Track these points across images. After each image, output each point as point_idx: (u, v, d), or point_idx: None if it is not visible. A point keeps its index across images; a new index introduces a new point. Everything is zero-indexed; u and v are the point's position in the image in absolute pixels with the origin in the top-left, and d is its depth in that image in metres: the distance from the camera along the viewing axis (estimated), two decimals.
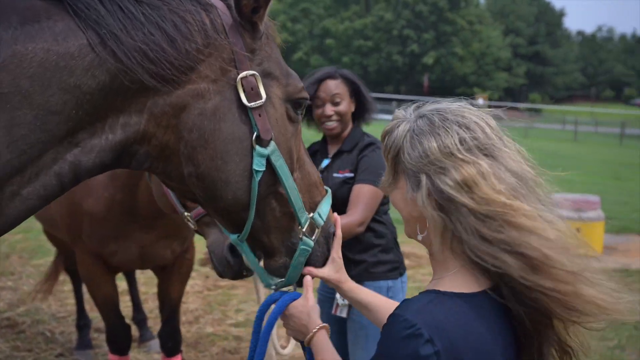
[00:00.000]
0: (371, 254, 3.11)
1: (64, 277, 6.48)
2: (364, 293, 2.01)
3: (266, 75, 1.73)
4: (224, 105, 1.64)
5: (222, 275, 2.63)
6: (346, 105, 3.17)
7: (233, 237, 1.82)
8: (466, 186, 1.45)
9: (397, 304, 1.98)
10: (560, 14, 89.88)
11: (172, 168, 1.68)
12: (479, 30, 66.34)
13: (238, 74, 1.65)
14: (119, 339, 3.67)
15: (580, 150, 27.26)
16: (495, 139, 1.52)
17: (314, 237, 1.84)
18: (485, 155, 1.49)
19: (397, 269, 3.16)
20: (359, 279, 2.97)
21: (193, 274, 6.71)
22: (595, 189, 13.30)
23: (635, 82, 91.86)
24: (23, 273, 6.45)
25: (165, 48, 1.53)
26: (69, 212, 3.32)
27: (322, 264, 1.93)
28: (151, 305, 5.92)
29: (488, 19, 69.86)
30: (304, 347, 1.89)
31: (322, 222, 1.86)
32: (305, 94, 1.85)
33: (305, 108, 1.88)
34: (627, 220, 10.86)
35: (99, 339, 5.15)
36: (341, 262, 1.97)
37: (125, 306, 5.56)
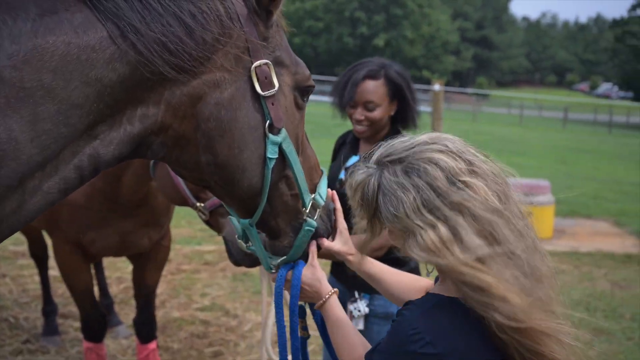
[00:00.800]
0: None
1: (23, 262, 6.36)
2: (373, 265, 2.09)
3: (278, 64, 1.76)
4: (239, 94, 1.67)
5: (238, 263, 2.65)
6: (381, 112, 2.88)
7: (244, 222, 1.87)
8: (432, 252, 1.49)
9: (407, 275, 2.09)
10: (506, 0, 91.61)
11: (187, 157, 1.70)
12: (428, 14, 66.95)
13: (252, 63, 1.67)
14: (95, 327, 3.65)
15: (526, 134, 28.07)
16: (461, 173, 1.52)
17: (315, 217, 1.92)
18: (450, 207, 1.49)
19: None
20: (370, 291, 2.84)
21: None
22: (542, 173, 13.79)
23: (578, 68, 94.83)
24: None
25: (184, 39, 1.54)
26: None
27: (326, 238, 2.02)
28: (115, 290, 5.87)
29: (437, 2, 70.56)
30: (313, 311, 2.02)
31: (322, 202, 1.93)
32: (312, 83, 1.90)
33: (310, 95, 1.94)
34: (575, 204, 11.33)
35: (65, 324, 5.09)
36: (347, 233, 2.05)
37: None
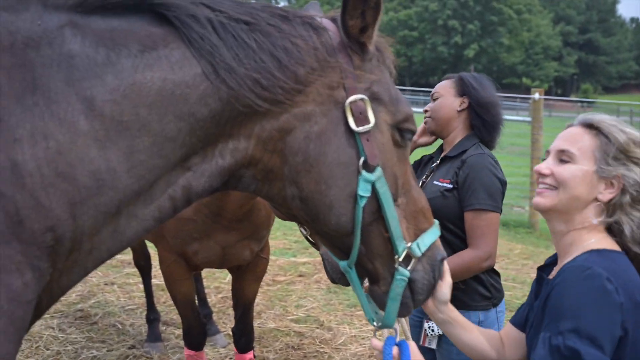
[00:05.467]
0: (464, 282, 2.83)
1: (129, 270, 6.70)
2: (451, 311, 2.10)
3: (375, 100, 1.70)
4: (330, 128, 1.64)
5: (334, 281, 2.65)
6: (443, 102, 2.96)
7: (342, 264, 1.80)
8: None
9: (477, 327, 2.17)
10: (613, 1, 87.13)
11: (276, 191, 1.69)
12: (527, 19, 64.88)
13: (347, 97, 1.64)
14: (195, 335, 3.77)
15: None
16: None
17: (409, 267, 1.78)
18: None
19: (489, 299, 2.88)
20: None
21: None
22: None
23: None
24: None
25: (276, 74, 1.55)
26: None
27: (428, 293, 1.87)
28: (213, 300, 6.05)
29: (537, 7, 68.23)
30: None
31: (419, 253, 1.78)
32: (412, 126, 1.79)
33: (413, 136, 1.84)
34: None
35: (167, 331, 5.29)
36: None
37: None
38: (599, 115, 1.86)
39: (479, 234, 2.75)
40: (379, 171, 1.67)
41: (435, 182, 2.90)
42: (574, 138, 1.85)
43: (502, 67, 64.16)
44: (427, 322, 2.88)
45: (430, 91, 3.13)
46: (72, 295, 5.79)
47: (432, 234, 1.83)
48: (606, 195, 1.77)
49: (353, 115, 1.63)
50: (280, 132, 1.61)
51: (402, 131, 1.76)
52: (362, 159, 1.65)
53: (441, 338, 2.85)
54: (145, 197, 1.51)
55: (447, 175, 2.87)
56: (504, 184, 2.85)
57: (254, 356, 3.97)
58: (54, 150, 1.34)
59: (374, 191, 1.68)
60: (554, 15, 73.44)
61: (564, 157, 1.84)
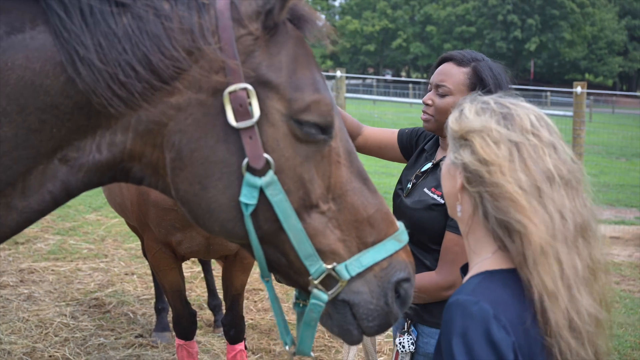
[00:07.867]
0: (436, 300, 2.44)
1: None
2: None
3: (264, 86, 1.47)
4: (206, 121, 1.44)
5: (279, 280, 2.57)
6: (451, 102, 2.34)
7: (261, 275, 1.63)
8: (485, 163, 1.47)
9: None
10: None
11: (170, 188, 1.57)
12: (591, 13, 62.55)
13: (228, 85, 1.43)
14: (185, 325, 3.78)
15: None
16: (530, 135, 1.50)
17: (332, 290, 1.53)
18: (512, 142, 1.48)
19: None
20: (424, 323, 2.49)
21: None
22: None
23: None
24: (115, 256, 6.80)
25: (137, 68, 1.41)
26: (138, 200, 3.43)
27: (380, 320, 1.59)
28: None
29: (602, 0, 65.69)
30: None
31: (347, 276, 1.52)
32: (320, 114, 1.49)
33: (329, 129, 1.52)
34: None
35: None
36: None
37: (203, 291, 5.74)
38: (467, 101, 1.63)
39: (449, 260, 2.34)
40: (269, 176, 1.45)
41: (425, 190, 2.46)
42: None
43: (563, 62, 62.01)
44: (400, 336, 2.54)
45: None
46: (91, 284, 5.93)
47: (381, 250, 1.56)
48: (458, 180, 1.54)
49: (232, 107, 1.43)
50: (158, 125, 1.46)
51: (303, 123, 1.49)
52: (245, 160, 1.45)
53: (414, 356, 2.53)
54: (23, 190, 1.45)
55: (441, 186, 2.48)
56: None
57: (245, 347, 3.94)
58: None
59: (265, 198, 1.47)
60: (619, 9, 70.43)
61: None
